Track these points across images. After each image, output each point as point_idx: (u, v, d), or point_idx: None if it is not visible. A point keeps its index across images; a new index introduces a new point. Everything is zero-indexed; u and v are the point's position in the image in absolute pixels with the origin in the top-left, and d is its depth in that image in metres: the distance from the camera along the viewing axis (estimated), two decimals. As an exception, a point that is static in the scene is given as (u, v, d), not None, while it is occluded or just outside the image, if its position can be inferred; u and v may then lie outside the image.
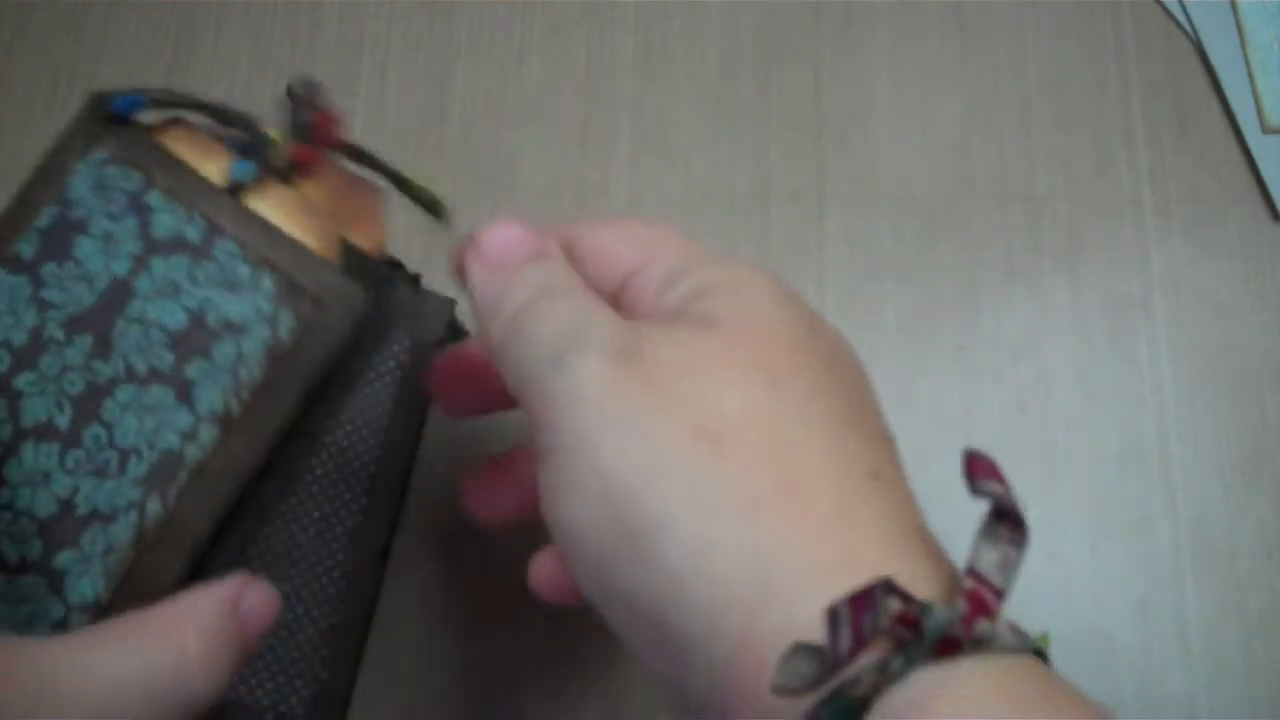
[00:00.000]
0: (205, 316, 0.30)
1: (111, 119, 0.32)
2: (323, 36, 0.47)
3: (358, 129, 0.46)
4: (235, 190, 0.31)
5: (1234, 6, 0.46)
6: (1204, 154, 0.45)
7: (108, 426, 0.29)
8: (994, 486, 0.23)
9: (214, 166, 0.32)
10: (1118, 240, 0.44)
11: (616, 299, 0.29)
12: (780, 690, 0.21)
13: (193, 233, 0.30)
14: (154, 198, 0.31)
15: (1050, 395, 0.42)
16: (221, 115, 0.32)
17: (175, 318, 0.30)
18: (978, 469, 0.23)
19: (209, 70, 0.47)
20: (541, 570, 0.29)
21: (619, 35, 0.47)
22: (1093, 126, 0.45)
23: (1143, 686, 0.38)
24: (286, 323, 0.30)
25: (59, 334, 0.30)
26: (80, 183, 0.31)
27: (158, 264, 0.30)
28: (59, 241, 0.30)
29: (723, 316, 0.26)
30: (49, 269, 0.30)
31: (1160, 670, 0.39)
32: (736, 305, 0.26)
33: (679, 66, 0.46)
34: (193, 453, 0.29)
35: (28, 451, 0.29)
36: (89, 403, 0.30)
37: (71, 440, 0.29)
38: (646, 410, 0.24)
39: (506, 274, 0.28)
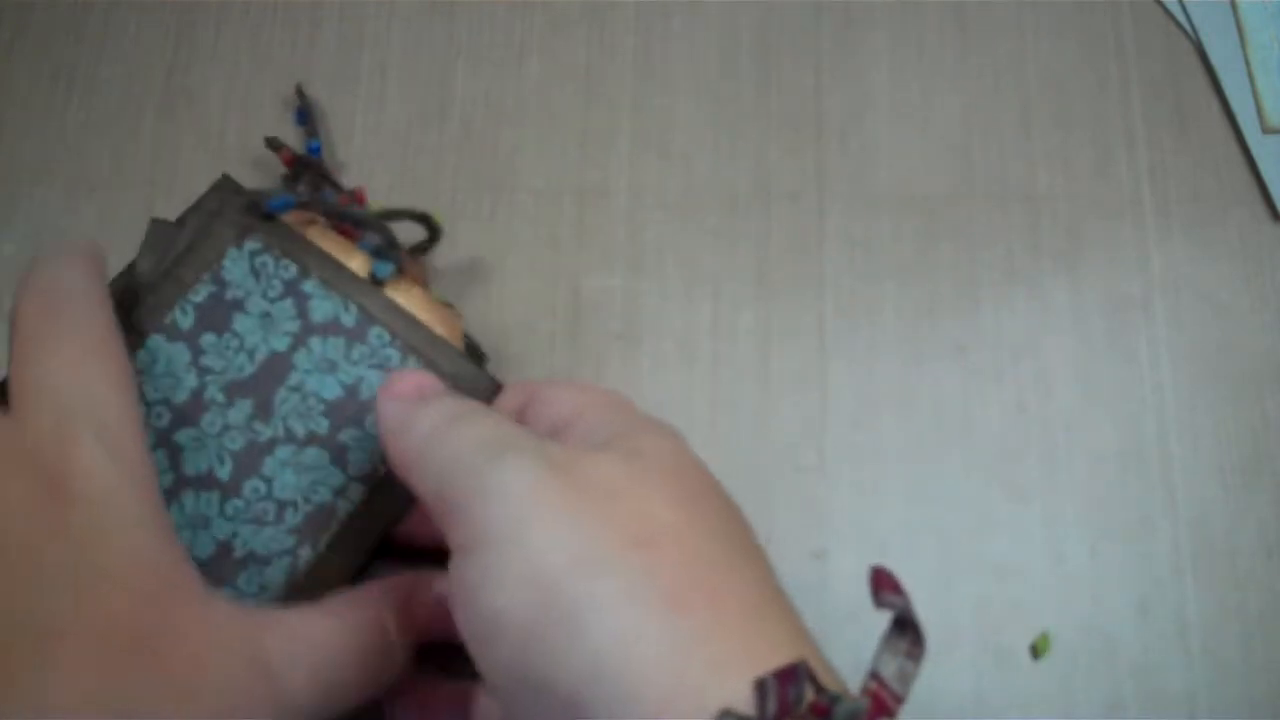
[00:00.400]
0: (359, 391, 0.35)
1: (263, 215, 0.36)
2: (323, 36, 0.47)
3: (357, 129, 0.46)
4: (377, 284, 0.36)
5: (1234, 6, 0.46)
6: (1204, 154, 0.45)
7: (267, 480, 0.34)
8: (895, 599, 0.25)
9: (356, 262, 0.36)
10: (1118, 240, 0.44)
11: (555, 430, 0.32)
12: None
13: (348, 319, 0.35)
14: (310, 285, 0.36)
15: (1050, 395, 0.42)
16: (357, 221, 0.37)
17: (332, 390, 0.35)
18: (881, 583, 0.26)
19: (209, 70, 0.47)
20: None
21: (619, 35, 0.47)
22: (1093, 126, 0.45)
23: (1143, 686, 0.38)
24: None
25: (220, 396, 0.35)
26: (235, 267, 0.36)
27: (316, 343, 0.35)
28: (217, 316, 0.35)
29: (644, 451, 0.29)
30: (208, 339, 0.35)
31: (1160, 670, 0.38)
32: (654, 445, 0.29)
33: (679, 66, 0.46)
34: (344, 507, 0.34)
35: (188, 498, 0.34)
36: (249, 458, 0.34)
37: (231, 490, 0.34)
38: (581, 511, 0.26)
39: (422, 401, 0.31)
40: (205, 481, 0.34)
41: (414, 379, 0.32)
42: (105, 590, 0.26)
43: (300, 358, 0.35)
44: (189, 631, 0.27)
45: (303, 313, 0.35)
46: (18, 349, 0.29)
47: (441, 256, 0.44)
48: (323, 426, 0.35)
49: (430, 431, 0.29)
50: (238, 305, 0.35)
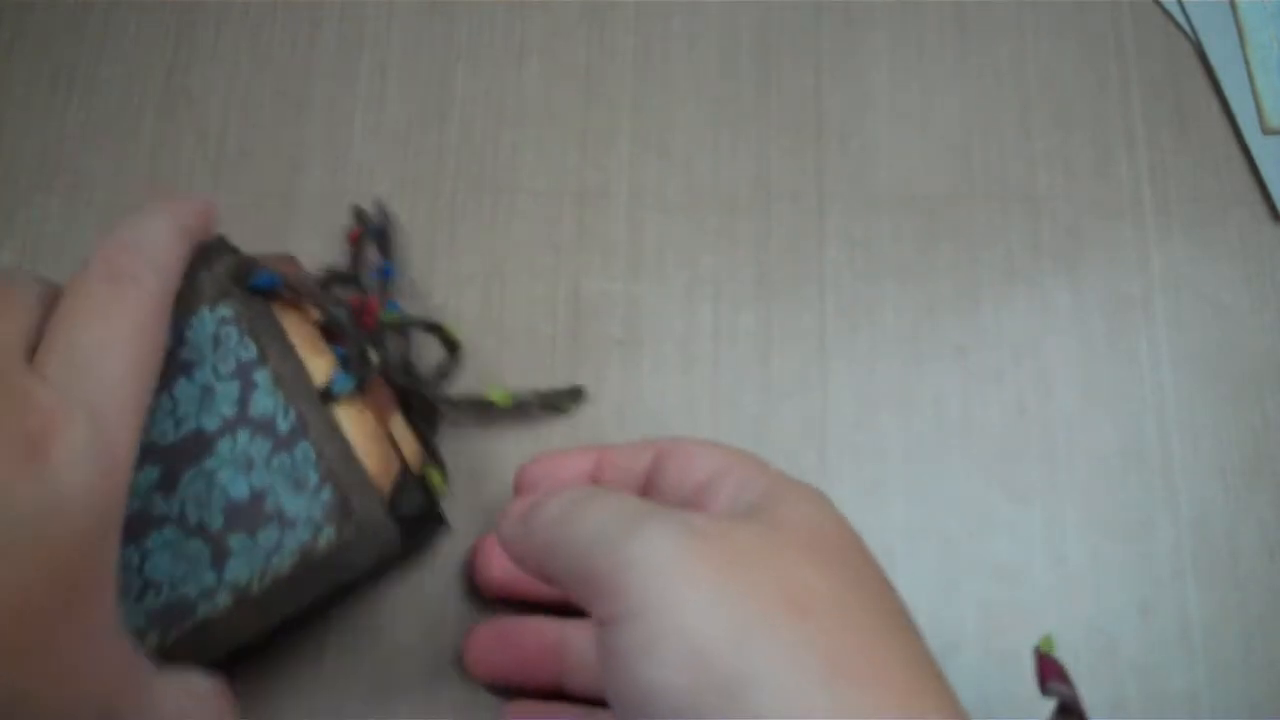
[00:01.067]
0: (264, 500, 0.33)
1: (247, 286, 0.35)
2: (323, 36, 0.47)
3: (357, 130, 0.46)
4: (328, 398, 0.34)
5: (1234, 6, 0.46)
6: (1204, 154, 0.45)
7: (143, 554, 0.32)
8: (1062, 689, 0.25)
9: (320, 363, 0.35)
10: (1118, 240, 0.44)
11: (688, 504, 0.32)
12: None
13: (283, 425, 0.33)
14: (260, 375, 0.33)
15: (1050, 395, 0.42)
16: (337, 323, 0.35)
17: (240, 490, 0.33)
18: (1048, 672, 0.26)
19: (209, 70, 0.47)
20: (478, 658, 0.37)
21: (619, 36, 0.47)
22: (1093, 126, 0.45)
23: (1145, 686, 0.38)
24: (328, 535, 0.33)
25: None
26: (200, 328, 0.34)
27: (243, 436, 0.33)
28: (163, 372, 0.31)
29: (788, 520, 0.29)
30: None
31: (1162, 670, 0.39)
32: (800, 512, 0.29)
33: (679, 67, 0.46)
34: (204, 610, 0.32)
35: None
36: (136, 525, 0.32)
37: None
38: (732, 578, 0.26)
39: (538, 499, 0.31)
40: None
41: (514, 512, 0.32)
42: (23, 574, 0.25)
43: (223, 445, 0.33)
44: (79, 649, 0.27)
45: (244, 400, 0.33)
46: (68, 301, 0.29)
47: (441, 258, 0.44)
48: (217, 522, 0.33)
49: (558, 516, 0.29)
50: (186, 369, 0.33)
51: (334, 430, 0.34)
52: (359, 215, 0.43)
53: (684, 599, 0.25)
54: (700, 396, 0.41)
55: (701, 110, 0.46)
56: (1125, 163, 0.45)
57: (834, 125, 0.45)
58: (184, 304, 0.33)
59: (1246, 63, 0.45)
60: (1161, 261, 0.43)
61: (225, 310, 0.34)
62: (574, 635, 0.36)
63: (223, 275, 0.35)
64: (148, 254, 0.30)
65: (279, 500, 0.33)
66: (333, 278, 0.41)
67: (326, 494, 0.33)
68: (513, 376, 0.42)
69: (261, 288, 0.35)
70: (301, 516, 0.33)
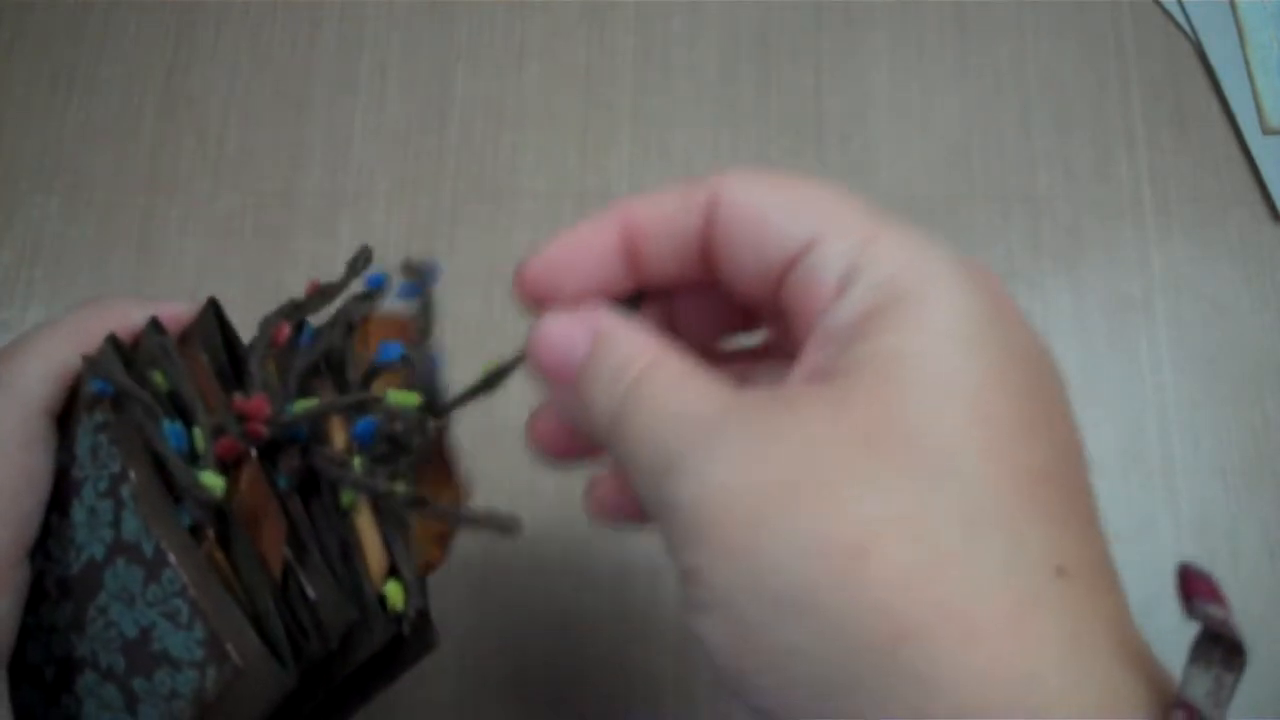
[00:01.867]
0: (151, 638, 0.28)
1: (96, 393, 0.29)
2: (323, 37, 0.47)
3: (357, 131, 0.45)
4: (197, 525, 0.28)
5: (1234, 7, 0.46)
6: (1204, 154, 0.45)
7: (78, 701, 0.29)
8: (1214, 610, 0.21)
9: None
10: (1118, 241, 0.44)
11: (774, 300, 0.24)
12: None
13: (148, 549, 0.28)
14: (126, 492, 0.28)
15: (1051, 396, 0.42)
16: (165, 454, 0.29)
17: (130, 628, 0.28)
18: (1195, 588, 0.21)
19: (209, 71, 0.47)
20: (602, 493, 0.27)
21: (618, 37, 0.47)
22: (1093, 126, 0.45)
23: (1144, 687, 0.38)
24: (213, 677, 0.28)
25: (54, 589, 0.29)
26: (84, 439, 0.29)
27: (121, 565, 0.28)
28: (62, 493, 0.29)
29: (890, 370, 0.21)
30: (54, 518, 0.29)
31: (1161, 671, 0.39)
32: (913, 344, 0.21)
33: (679, 68, 0.46)
34: None
35: (25, 688, 0.29)
36: (67, 671, 0.29)
37: (51, 698, 0.29)
38: (779, 527, 0.20)
39: (580, 384, 0.25)
40: (35, 677, 0.29)
41: (549, 335, 0.26)
42: None
43: (109, 577, 0.28)
44: None
45: (117, 522, 0.28)
46: None
47: (441, 259, 0.44)
48: (120, 665, 0.28)
49: (608, 428, 0.24)
50: (76, 489, 0.29)
51: (195, 553, 0.28)
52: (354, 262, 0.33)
53: (728, 560, 0.21)
54: (700, 397, 0.41)
55: (701, 110, 0.46)
56: (1125, 163, 0.45)
57: (834, 125, 0.45)
58: (73, 415, 0.29)
59: (1246, 63, 0.45)
60: (1162, 261, 0.43)
61: (99, 416, 0.29)
62: None
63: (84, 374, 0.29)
64: (35, 361, 0.28)
65: (162, 638, 0.28)
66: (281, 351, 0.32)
67: (199, 629, 0.27)
68: (512, 376, 0.42)
69: (99, 392, 0.29)
70: (185, 655, 0.28)
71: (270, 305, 0.43)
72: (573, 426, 0.25)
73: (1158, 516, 0.40)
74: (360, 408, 0.29)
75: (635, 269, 0.26)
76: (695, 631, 0.21)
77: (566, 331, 0.25)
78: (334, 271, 0.44)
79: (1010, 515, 0.21)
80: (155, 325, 0.30)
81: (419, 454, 0.29)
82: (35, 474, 0.28)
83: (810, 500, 0.20)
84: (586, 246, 0.26)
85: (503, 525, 0.29)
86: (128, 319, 0.30)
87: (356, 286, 0.32)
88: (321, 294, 0.32)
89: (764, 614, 0.20)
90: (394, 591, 0.29)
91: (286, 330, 0.30)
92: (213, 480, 0.28)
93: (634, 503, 0.25)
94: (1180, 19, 0.46)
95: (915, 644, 0.19)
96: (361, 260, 0.32)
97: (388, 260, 0.43)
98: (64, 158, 0.45)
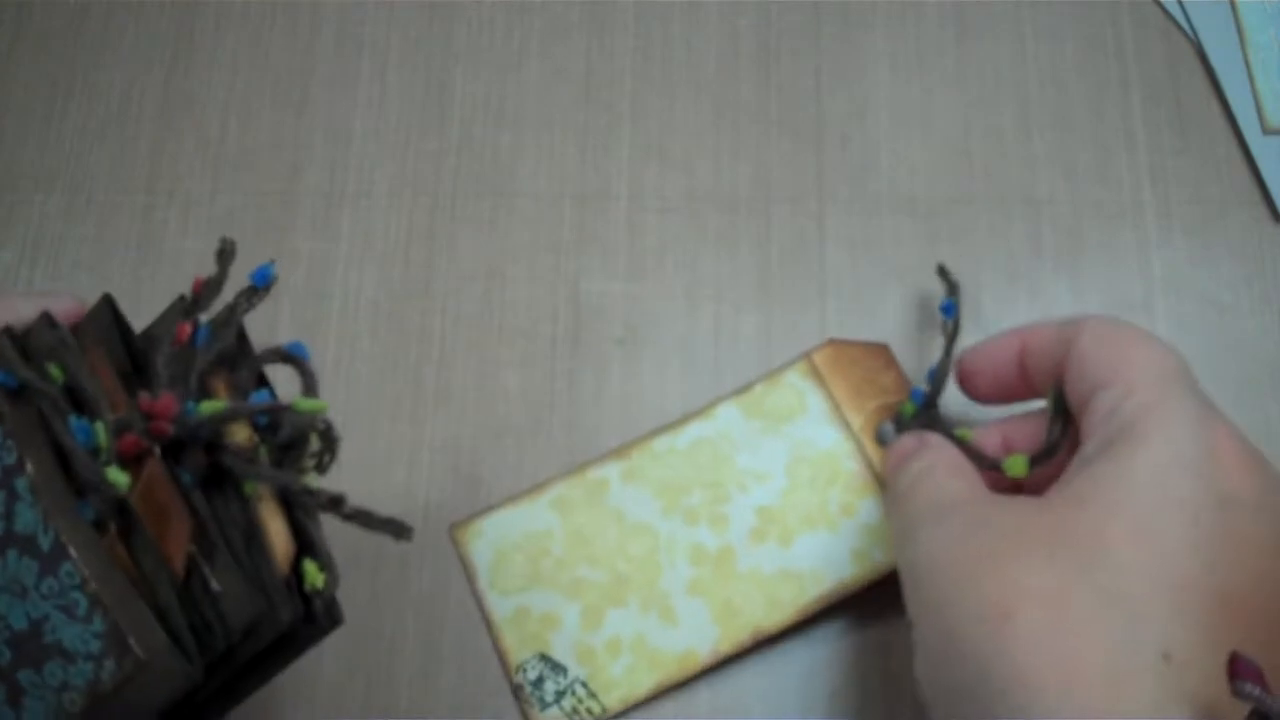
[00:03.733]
0: (42, 630, 0.28)
1: None
2: (322, 38, 0.47)
3: (357, 131, 0.45)
4: (100, 519, 0.28)
5: (1234, 7, 0.46)
6: (1204, 155, 0.45)
7: None
8: (1254, 691, 0.24)
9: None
10: (1118, 242, 0.44)
11: (1082, 408, 0.32)
12: None
13: (45, 542, 0.28)
14: (21, 485, 0.28)
15: (1051, 397, 0.42)
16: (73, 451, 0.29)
17: (19, 620, 0.28)
18: (1241, 671, 0.25)
19: (208, 72, 0.46)
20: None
21: (618, 38, 0.47)
22: (1093, 127, 0.45)
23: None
24: (110, 669, 0.28)
25: None
26: None
27: (12, 558, 0.28)
28: None
29: (1091, 489, 0.29)
30: None
31: (1161, 672, 0.38)
32: (1118, 471, 0.29)
33: (678, 68, 0.46)
34: None
35: None
36: None
37: None
38: (962, 591, 0.28)
39: (900, 467, 0.34)
40: None
41: (894, 453, 0.35)
42: None
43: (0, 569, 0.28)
44: None
45: (9, 514, 0.28)
46: None
47: (441, 259, 0.44)
48: (4, 657, 0.28)
49: (894, 498, 0.34)
50: None
51: (97, 546, 0.28)
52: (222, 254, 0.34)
53: (935, 610, 0.28)
54: (701, 397, 0.41)
55: (701, 111, 0.46)
56: (1125, 164, 0.45)
57: (834, 125, 0.45)
58: None
59: (1246, 63, 0.45)
60: (1162, 262, 0.43)
61: None
62: None
63: None
64: None
65: (55, 630, 0.28)
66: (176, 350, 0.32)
67: (98, 621, 0.27)
68: (513, 377, 0.42)
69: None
70: (80, 648, 0.28)
71: (270, 305, 0.43)
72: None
73: (1158, 517, 0.40)
74: (272, 412, 0.30)
75: (1023, 375, 0.35)
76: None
77: (908, 441, 0.35)
78: (334, 272, 0.44)
79: (1141, 604, 0.26)
80: (48, 319, 0.30)
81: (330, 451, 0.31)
82: None
83: (986, 573, 0.27)
84: (998, 352, 0.36)
85: (396, 529, 0.31)
86: (16, 313, 0.30)
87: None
88: (209, 290, 0.32)
89: (945, 657, 0.27)
90: (312, 570, 0.30)
91: (188, 329, 0.31)
92: (117, 476, 0.28)
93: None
94: (1180, 19, 0.46)
95: (1026, 688, 0.25)
96: (228, 253, 0.33)
97: (391, 258, 0.44)
98: (64, 158, 0.45)
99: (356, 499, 0.40)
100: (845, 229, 0.44)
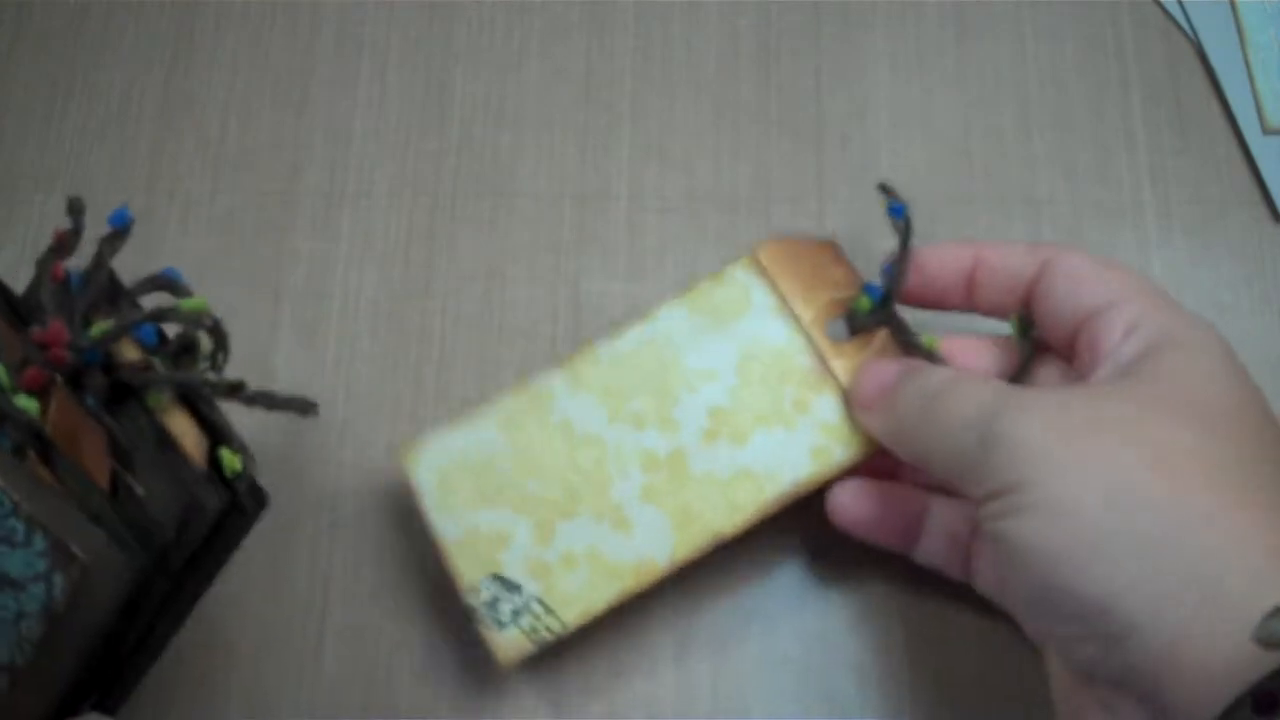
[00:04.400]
0: None
1: None
2: (322, 38, 0.47)
3: (357, 131, 0.46)
4: (19, 448, 0.29)
5: (1234, 7, 0.46)
6: (1204, 155, 0.45)
7: None
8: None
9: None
10: (1118, 242, 0.44)
11: (1072, 337, 0.33)
12: (1263, 642, 0.23)
13: None
14: None
15: (1051, 397, 0.42)
16: None
17: None
18: (1265, 703, 0.25)
19: (208, 72, 0.47)
20: (845, 503, 0.36)
21: (618, 38, 0.47)
22: (1093, 127, 0.45)
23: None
24: (60, 584, 0.29)
25: None
26: None
27: None
28: None
29: (1172, 374, 0.30)
30: None
31: (1161, 672, 0.39)
32: (1190, 365, 0.30)
33: (678, 69, 0.46)
34: None
35: None
36: None
37: None
38: (1099, 449, 0.28)
39: (889, 400, 0.34)
40: None
41: (874, 383, 0.35)
42: None
43: None
44: None
45: None
46: None
47: (441, 259, 0.44)
48: None
49: (923, 404, 0.33)
50: None
51: (17, 470, 0.29)
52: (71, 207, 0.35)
53: (1051, 471, 0.28)
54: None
55: (701, 111, 0.46)
56: (1125, 164, 0.45)
57: (834, 125, 0.45)
58: None
59: (1246, 63, 0.45)
60: (1162, 262, 0.43)
61: None
62: (938, 508, 0.37)
63: None
64: None
65: (1, 564, 0.29)
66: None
67: (39, 541, 0.29)
68: (513, 377, 0.42)
69: None
70: (26, 573, 0.29)
71: (270, 305, 0.43)
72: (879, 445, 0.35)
73: (1157, 517, 0.40)
74: (157, 318, 0.31)
75: (968, 292, 0.36)
76: (1007, 534, 0.29)
77: (880, 368, 0.35)
78: (334, 272, 0.44)
79: (1271, 468, 0.29)
80: None
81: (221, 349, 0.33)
82: None
83: (1110, 435, 0.28)
84: (951, 258, 0.36)
85: (301, 406, 0.34)
86: None
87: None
88: (71, 237, 0.34)
89: (1090, 509, 0.27)
90: (229, 457, 0.31)
91: (61, 270, 0.33)
92: (27, 402, 0.29)
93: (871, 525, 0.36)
94: (1180, 19, 0.46)
95: (1219, 521, 0.27)
96: (76, 208, 0.34)
97: (391, 258, 0.44)
98: (64, 158, 0.45)
99: (357, 499, 0.40)
100: (844, 228, 0.44)
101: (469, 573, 0.36)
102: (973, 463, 0.30)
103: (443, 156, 0.45)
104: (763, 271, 0.38)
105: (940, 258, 0.36)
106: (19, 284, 0.44)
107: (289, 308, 0.43)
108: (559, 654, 0.39)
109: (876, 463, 0.36)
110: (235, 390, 0.32)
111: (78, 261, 0.33)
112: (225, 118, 0.46)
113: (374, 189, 0.45)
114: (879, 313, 0.37)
